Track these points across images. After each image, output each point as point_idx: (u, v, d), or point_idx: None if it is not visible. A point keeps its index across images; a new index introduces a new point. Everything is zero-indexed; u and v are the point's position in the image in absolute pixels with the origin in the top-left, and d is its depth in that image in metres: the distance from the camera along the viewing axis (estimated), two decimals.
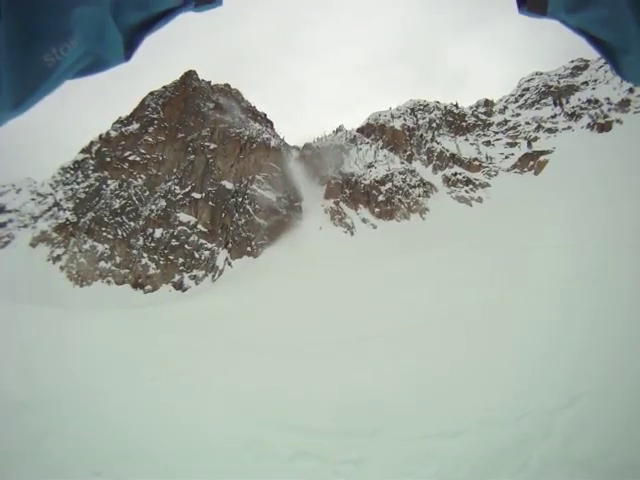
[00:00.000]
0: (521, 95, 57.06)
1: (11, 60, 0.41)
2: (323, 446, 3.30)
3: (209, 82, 48.95)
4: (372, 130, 52.65)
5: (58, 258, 40.21)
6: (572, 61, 60.65)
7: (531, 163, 45.14)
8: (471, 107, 57.35)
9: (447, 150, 47.30)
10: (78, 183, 45.75)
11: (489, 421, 3.29)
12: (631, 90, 48.11)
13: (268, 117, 51.72)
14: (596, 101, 50.28)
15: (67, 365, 6.53)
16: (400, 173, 43.07)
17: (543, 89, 56.75)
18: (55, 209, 45.26)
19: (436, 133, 50.99)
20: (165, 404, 4.63)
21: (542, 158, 45.02)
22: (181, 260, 39.33)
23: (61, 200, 45.88)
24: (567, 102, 53.38)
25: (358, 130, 53.58)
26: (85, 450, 3.45)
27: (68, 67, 0.47)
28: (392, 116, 53.41)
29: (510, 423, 3.21)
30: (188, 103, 45.26)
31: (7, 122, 0.46)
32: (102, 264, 39.85)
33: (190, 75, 47.29)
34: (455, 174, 43.92)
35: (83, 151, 46.77)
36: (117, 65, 0.53)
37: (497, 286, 10.52)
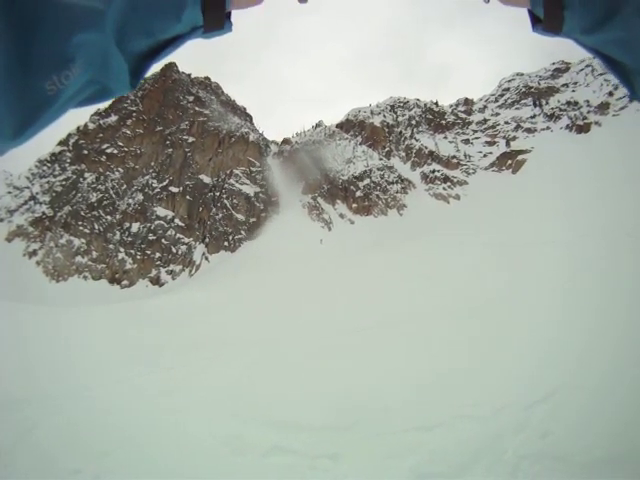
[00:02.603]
0: (501, 95, 57.82)
1: (10, 88, 0.39)
2: (299, 441, 3.28)
3: (189, 75, 48.53)
4: (351, 126, 52.84)
5: (34, 253, 39.58)
6: (553, 63, 61.69)
7: (509, 162, 45.83)
8: (451, 105, 57.89)
9: (426, 147, 47.71)
10: (55, 176, 45.07)
11: (466, 415, 3.30)
12: (610, 94, 49.10)
13: (248, 111, 51.58)
14: (575, 103, 51.21)
15: (43, 363, 6.42)
16: (378, 169, 43.33)
17: (523, 90, 57.59)
18: (31, 202, 44.47)
19: (415, 130, 51.40)
20: (145, 401, 4.55)
21: (520, 157, 45.75)
22: (158, 255, 39.02)
23: (37, 193, 45.13)
24: (547, 103, 54.27)
25: (337, 126, 53.74)
26: (65, 448, 3.36)
27: (70, 96, 0.45)
28: (372, 112, 53.67)
29: (486, 417, 3.22)
30: (167, 96, 44.81)
31: (6, 153, 0.44)
32: (78, 259, 39.36)
33: (170, 67, 46.82)
34: (433, 171, 44.35)
35: (60, 143, 46.04)
36: (122, 94, 0.51)
37: (473, 283, 10.62)
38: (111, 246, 40.17)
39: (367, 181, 42.44)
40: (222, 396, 4.58)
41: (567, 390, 3.39)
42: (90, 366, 6.34)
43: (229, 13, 0.54)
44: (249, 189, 41.43)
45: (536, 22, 0.54)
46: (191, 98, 45.66)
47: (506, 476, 2.44)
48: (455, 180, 43.43)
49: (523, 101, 56.26)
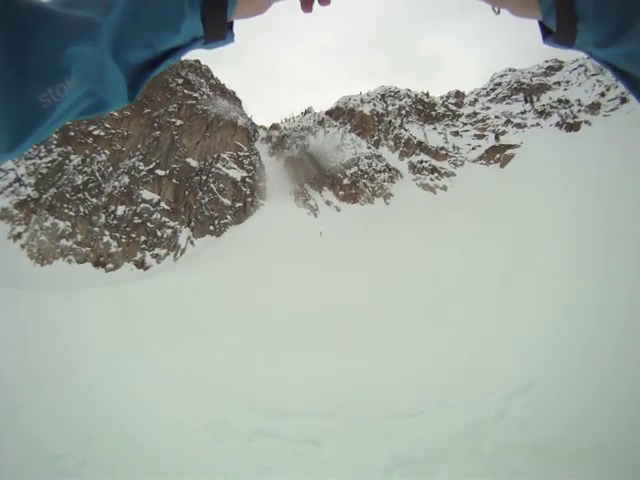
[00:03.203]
0: (493, 89, 58.09)
1: (3, 101, 0.38)
2: (282, 426, 3.31)
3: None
4: (341, 113, 52.87)
5: (19, 236, 39.17)
6: (547, 61, 62.04)
7: (497, 156, 46.09)
8: (442, 97, 58.09)
9: (415, 138, 47.84)
10: (40, 158, 44.52)
11: (446, 404, 3.34)
12: (602, 94, 49.50)
13: (237, 95, 51.15)
14: (567, 101, 51.54)
15: (28, 348, 6.33)
16: (366, 158, 43.39)
17: (515, 85, 57.90)
18: (17, 185, 43.91)
19: (405, 120, 51.53)
20: (129, 386, 4.53)
21: (508, 152, 46.02)
22: (143, 238, 38.79)
23: (23, 175, 44.56)
24: (538, 100, 54.59)
25: (327, 113, 53.69)
26: (49, 433, 3.35)
27: (66, 109, 0.43)
28: (362, 101, 53.70)
29: (466, 406, 3.26)
30: (156, 78, 44.28)
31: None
32: (63, 242, 39.03)
33: None
34: (421, 162, 44.53)
35: None
36: (120, 106, 0.49)
37: (456, 274, 10.69)
38: (96, 229, 39.85)
39: (355, 169, 42.51)
40: (206, 381, 4.60)
41: (547, 382, 3.43)
42: (74, 351, 6.30)
43: (231, 23, 0.51)
44: (236, 174, 41.28)
45: (547, 34, 0.52)
46: (180, 81, 45.23)
47: (485, 465, 2.48)
48: (443, 171, 43.65)
49: (514, 96, 56.59)
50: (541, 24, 0.53)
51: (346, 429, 3.21)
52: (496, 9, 0.53)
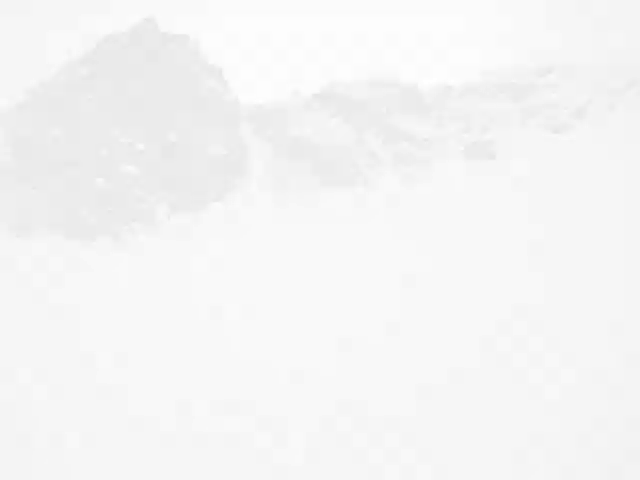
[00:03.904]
0: (481, 85, 58.58)
1: None
2: (260, 430, 3.25)
3: (167, 32, 47.56)
4: (327, 97, 52.87)
5: None
6: (537, 62, 62.61)
7: (481, 152, 46.72)
8: (430, 89, 58.38)
9: (400, 127, 48.25)
10: (21, 127, 43.81)
11: (440, 410, 3.34)
12: (590, 100, 50.46)
13: (223, 73, 50.68)
14: (554, 104, 52.32)
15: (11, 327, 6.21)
16: (350, 144, 43.71)
17: (504, 83, 58.45)
18: None
19: (391, 109, 51.78)
20: (105, 374, 4.48)
21: (492, 149, 46.68)
22: (121, 212, 38.62)
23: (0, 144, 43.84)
24: (525, 99, 55.24)
25: (314, 96, 53.68)
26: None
27: None
28: (349, 86, 53.73)
29: (462, 411, 3.25)
30: (144, 51, 44.01)
31: None
32: (40, 213, 38.73)
33: (148, 23, 45.94)
34: (404, 151, 44.99)
35: (27, 93, 44.60)
36: None
37: (431, 265, 10.73)
38: (74, 201, 39.57)
39: (337, 154, 42.85)
40: (186, 382, 4.50)
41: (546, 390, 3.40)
42: (58, 335, 6.22)
43: None
44: (218, 151, 41.41)
45: None
46: (166, 54, 44.94)
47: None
48: (425, 163, 44.17)
49: (502, 94, 57.10)
50: None
51: (332, 436, 3.24)
52: None
